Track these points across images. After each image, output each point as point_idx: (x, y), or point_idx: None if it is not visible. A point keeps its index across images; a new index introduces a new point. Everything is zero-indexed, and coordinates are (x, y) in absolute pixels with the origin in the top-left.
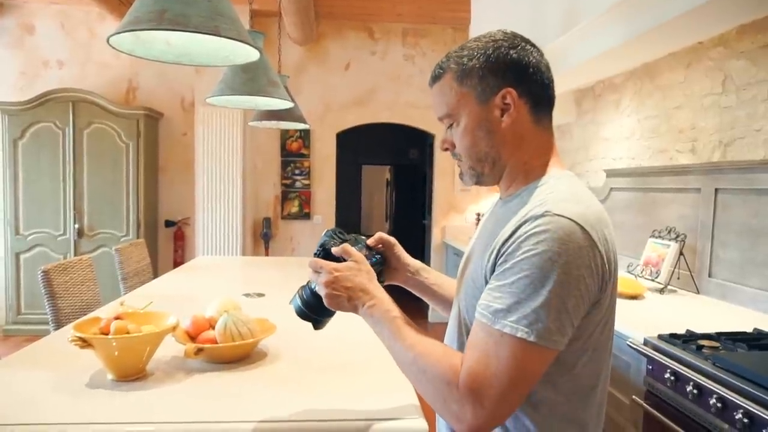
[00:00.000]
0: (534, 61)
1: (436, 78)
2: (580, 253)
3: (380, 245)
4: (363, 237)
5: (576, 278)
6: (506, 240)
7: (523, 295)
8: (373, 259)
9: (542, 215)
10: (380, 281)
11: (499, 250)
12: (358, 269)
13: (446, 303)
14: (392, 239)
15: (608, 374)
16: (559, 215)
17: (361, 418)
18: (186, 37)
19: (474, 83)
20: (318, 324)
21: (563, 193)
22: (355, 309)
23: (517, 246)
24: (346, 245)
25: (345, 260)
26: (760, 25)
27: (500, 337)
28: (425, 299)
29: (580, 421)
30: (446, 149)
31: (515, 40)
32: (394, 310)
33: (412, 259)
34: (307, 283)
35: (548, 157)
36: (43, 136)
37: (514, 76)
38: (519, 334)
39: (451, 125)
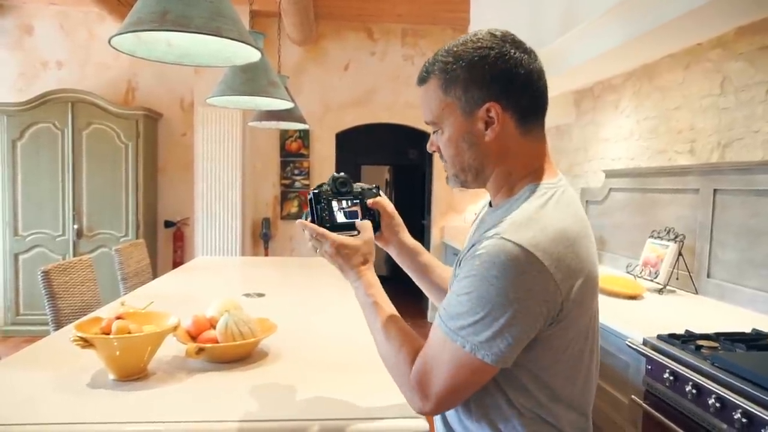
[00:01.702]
0: (523, 71)
1: (422, 80)
2: (522, 278)
3: (377, 208)
4: (374, 190)
5: (513, 301)
6: (466, 253)
7: (462, 309)
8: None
9: (491, 237)
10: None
11: (461, 261)
12: (356, 249)
13: (434, 287)
14: (390, 209)
15: (589, 378)
16: (506, 239)
17: (361, 417)
18: (188, 37)
19: (458, 94)
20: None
21: (525, 214)
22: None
23: (465, 262)
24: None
25: (350, 223)
26: (758, 26)
27: (445, 340)
28: (416, 280)
29: (559, 427)
30: (434, 151)
31: (504, 46)
32: (376, 295)
33: (411, 238)
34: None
35: (537, 165)
36: (42, 137)
37: (500, 89)
38: (458, 342)
39: (436, 131)
